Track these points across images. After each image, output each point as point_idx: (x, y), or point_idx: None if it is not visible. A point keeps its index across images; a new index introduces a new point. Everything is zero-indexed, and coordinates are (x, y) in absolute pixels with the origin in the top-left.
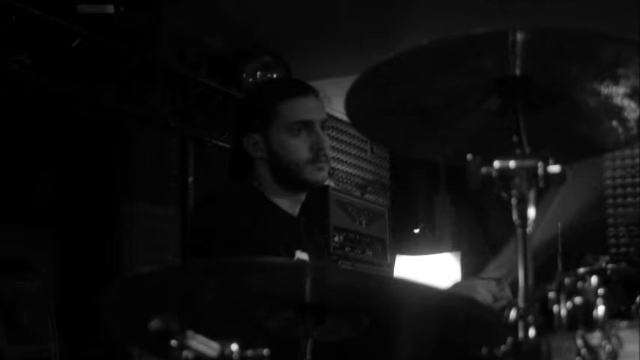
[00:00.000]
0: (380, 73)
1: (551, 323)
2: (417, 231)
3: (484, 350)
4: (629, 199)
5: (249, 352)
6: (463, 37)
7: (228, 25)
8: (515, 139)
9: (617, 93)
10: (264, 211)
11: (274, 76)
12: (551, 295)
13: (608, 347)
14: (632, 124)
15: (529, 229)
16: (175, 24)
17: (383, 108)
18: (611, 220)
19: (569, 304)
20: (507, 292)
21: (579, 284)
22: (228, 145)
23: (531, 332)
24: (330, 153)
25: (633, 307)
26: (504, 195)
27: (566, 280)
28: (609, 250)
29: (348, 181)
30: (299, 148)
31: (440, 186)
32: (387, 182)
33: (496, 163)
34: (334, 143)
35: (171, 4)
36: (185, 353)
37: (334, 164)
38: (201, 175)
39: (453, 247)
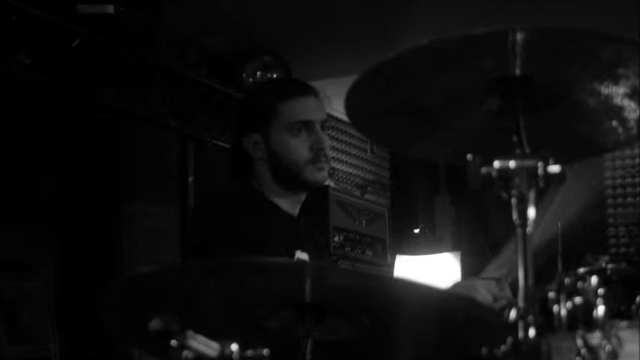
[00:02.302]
0: (380, 73)
1: (551, 323)
2: (417, 231)
3: (484, 350)
4: (629, 199)
5: (249, 352)
6: (463, 37)
7: (228, 25)
8: (515, 139)
9: (617, 93)
10: (264, 211)
11: (274, 76)
12: (551, 295)
13: (608, 347)
14: (632, 124)
15: (529, 229)
16: (175, 24)
17: (383, 108)
18: (611, 220)
19: (569, 304)
20: (507, 292)
21: (579, 284)
22: (228, 145)
23: (531, 332)
24: (330, 153)
25: (633, 307)
26: (504, 195)
27: (566, 280)
28: (609, 250)
29: (348, 181)
30: (299, 148)
31: (440, 186)
32: (387, 182)
33: (496, 163)
34: (334, 143)
35: (171, 4)
36: (185, 353)
37: (334, 164)
38: (201, 175)
39: (453, 247)
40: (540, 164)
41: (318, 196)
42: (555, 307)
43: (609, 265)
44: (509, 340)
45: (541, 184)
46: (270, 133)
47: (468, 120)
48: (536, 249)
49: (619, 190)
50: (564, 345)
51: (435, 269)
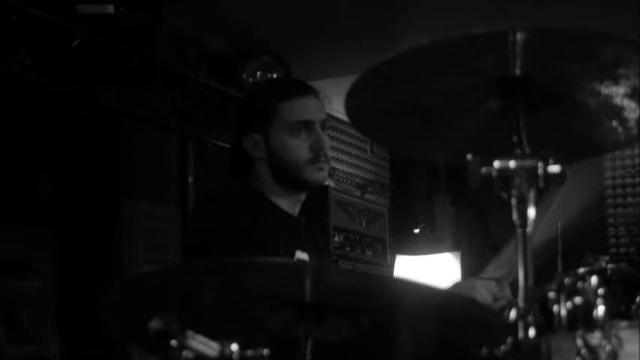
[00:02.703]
0: (380, 73)
1: (551, 323)
2: (417, 231)
3: (484, 350)
4: (629, 199)
5: (249, 352)
6: (463, 37)
7: (228, 25)
8: (515, 139)
9: (617, 93)
10: (264, 211)
11: (274, 76)
12: (551, 295)
13: (608, 347)
14: (632, 124)
15: (529, 229)
16: (175, 24)
17: (383, 108)
18: (611, 220)
19: (569, 304)
20: (507, 292)
21: (579, 284)
22: (228, 145)
23: (531, 332)
24: (330, 153)
25: (633, 307)
26: (504, 195)
27: (566, 280)
28: (609, 250)
29: (348, 181)
30: (299, 148)
31: (440, 186)
32: (387, 182)
33: (496, 163)
34: (334, 143)
35: (171, 4)
36: (185, 353)
37: (334, 164)
38: (201, 175)
39: (453, 247)
40: (540, 164)
41: (318, 196)
42: (555, 307)
43: (609, 265)
44: (509, 340)
45: (541, 184)
46: (270, 133)
47: (468, 120)
48: (536, 249)
49: (619, 190)
50: (564, 345)
51: (435, 269)
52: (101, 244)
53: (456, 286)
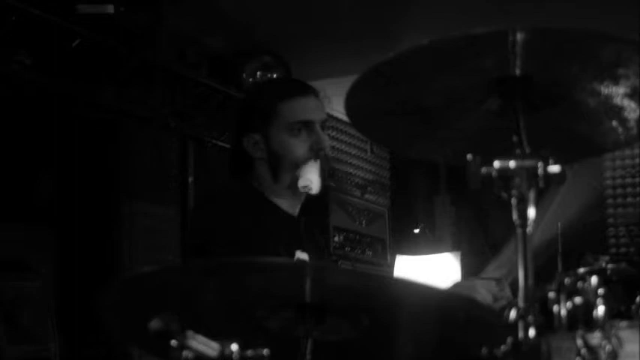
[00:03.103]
0: (380, 73)
1: (551, 323)
2: (417, 231)
3: (484, 350)
4: (629, 199)
5: (249, 352)
6: (463, 37)
7: (228, 25)
8: (515, 139)
9: (617, 93)
10: (264, 211)
11: (274, 76)
12: (551, 295)
13: (608, 347)
14: (632, 124)
15: (529, 229)
16: (175, 24)
17: (383, 108)
18: (611, 220)
19: (569, 304)
20: (507, 292)
21: (579, 284)
22: (228, 145)
23: (531, 332)
24: (330, 153)
25: (633, 307)
26: (504, 195)
27: (566, 280)
28: (609, 250)
29: (348, 181)
30: (299, 148)
31: (440, 186)
32: (387, 182)
33: (496, 163)
34: (334, 143)
35: (171, 4)
36: (185, 353)
37: (334, 164)
38: (201, 175)
39: (453, 247)
40: (540, 164)
41: (318, 196)
42: (555, 307)
43: (609, 265)
44: (509, 340)
45: (541, 184)
46: (270, 133)
47: (468, 120)
48: (536, 249)
49: (619, 190)
50: (564, 345)
51: (435, 269)
52: (101, 244)
53: (456, 286)
